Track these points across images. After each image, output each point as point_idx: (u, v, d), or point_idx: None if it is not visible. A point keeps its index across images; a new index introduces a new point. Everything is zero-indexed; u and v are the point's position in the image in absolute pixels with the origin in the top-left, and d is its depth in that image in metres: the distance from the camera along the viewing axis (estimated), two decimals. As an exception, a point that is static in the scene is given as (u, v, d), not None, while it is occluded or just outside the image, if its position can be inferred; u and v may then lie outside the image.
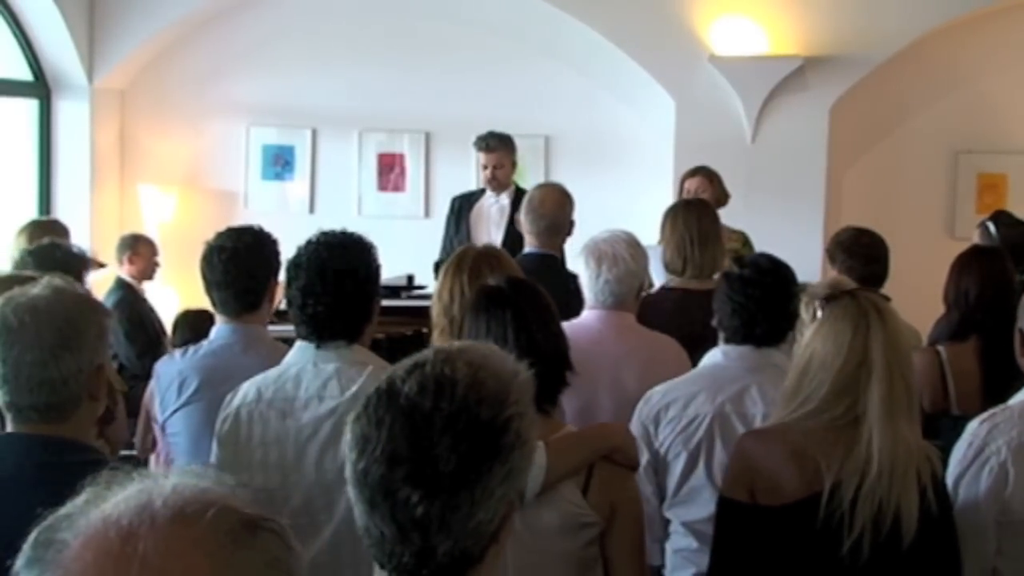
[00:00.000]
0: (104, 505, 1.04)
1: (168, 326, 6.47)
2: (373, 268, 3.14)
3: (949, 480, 2.99)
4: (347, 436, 1.59)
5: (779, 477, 2.73)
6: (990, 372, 4.06)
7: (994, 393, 3.89)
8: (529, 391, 1.64)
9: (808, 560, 2.71)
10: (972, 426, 3.04)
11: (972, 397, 4.10)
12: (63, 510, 1.06)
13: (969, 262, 4.39)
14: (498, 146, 6.79)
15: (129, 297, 7.01)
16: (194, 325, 5.05)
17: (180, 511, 1.02)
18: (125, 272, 7.21)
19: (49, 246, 4.61)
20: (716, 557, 2.87)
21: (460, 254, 3.64)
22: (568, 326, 3.86)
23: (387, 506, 1.52)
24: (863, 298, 2.88)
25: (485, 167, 6.83)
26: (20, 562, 1.04)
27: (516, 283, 2.93)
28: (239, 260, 3.62)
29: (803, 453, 2.71)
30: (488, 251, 3.71)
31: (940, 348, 4.22)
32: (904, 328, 4.66)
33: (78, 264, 4.27)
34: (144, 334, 6.91)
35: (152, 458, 4.73)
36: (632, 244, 4.02)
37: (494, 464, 1.54)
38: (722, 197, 6.31)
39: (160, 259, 7.45)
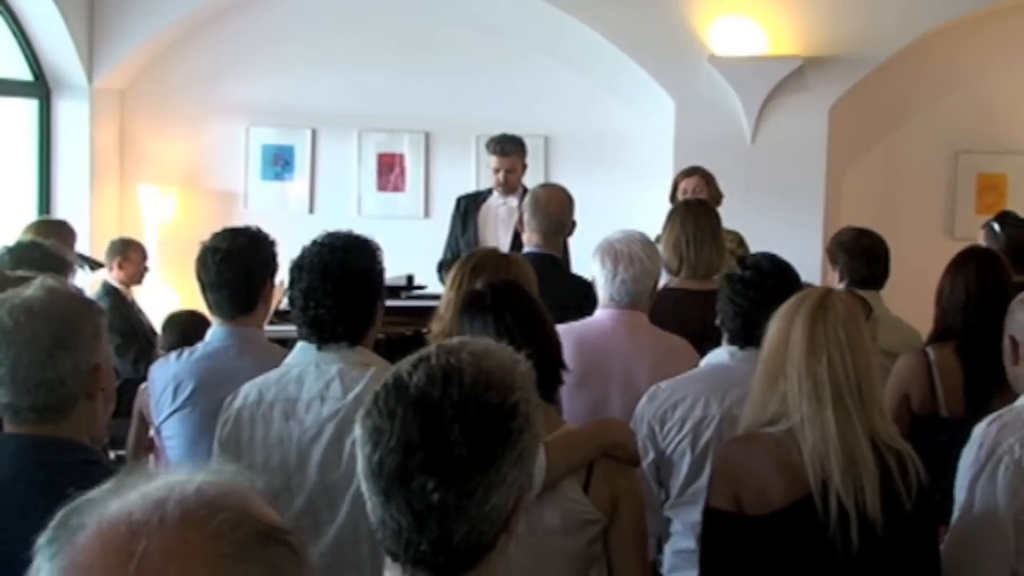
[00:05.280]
0: (129, 494, 1.03)
1: (159, 327, 6.39)
2: (376, 271, 3.11)
3: (963, 484, 2.97)
4: (357, 432, 1.62)
5: (765, 484, 2.73)
6: (971, 374, 4.05)
7: (976, 395, 3.89)
8: (531, 378, 1.68)
9: (797, 566, 2.71)
10: (980, 428, 3.01)
11: (956, 399, 4.10)
12: (91, 493, 1.06)
13: (956, 264, 4.38)
14: (513, 150, 6.71)
15: (118, 305, 6.80)
16: (184, 326, 5.03)
17: (190, 513, 1.01)
18: (114, 277, 7.05)
19: (28, 245, 4.61)
20: (704, 569, 2.87)
21: (478, 260, 3.63)
22: (580, 324, 3.93)
23: (403, 495, 1.55)
24: (807, 293, 2.87)
25: (497, 170, 6.71)
26: (42, 538, 1.04)
27: (500, 287, 2.95)
28: (233, 262, 3.56)
29: (786, 458, 2.71)
30: (504, 256, 3.71)
31: (928, 350, 4.21)
32: (903, 328, 4.69)
33: (56, 265, 4.24)
34: (136, 342, 6.82)
35: (151, 460, 4.71)
36: (647, 244, 4.05)
37: (505, 448, 1.59)
38: (718, 197, 6.31)
39: (151, 260, 7.40)
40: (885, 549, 2.67)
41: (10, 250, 4.42)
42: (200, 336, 4.89)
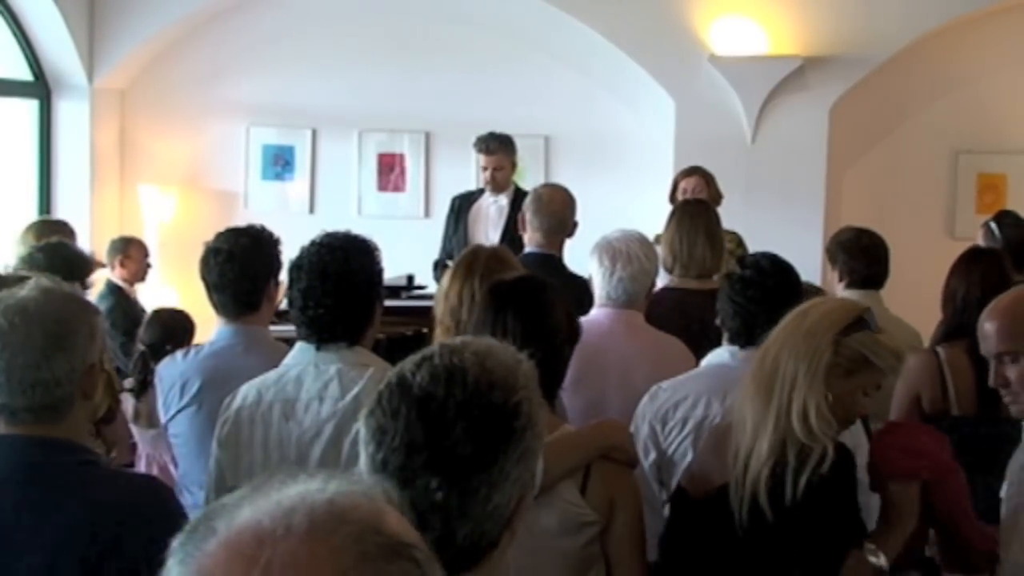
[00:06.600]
0: (262, 501, 1.03)
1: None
2: (375, 270, 3.12)
3: (1009, 490, 2.90)
4: (360, 431, 1.63)
5: (706, 467, 2.87)
6: (983, 372, 4.06)
7: (988, 393, 3.89)
8: (533, 377, 1.69)
9: (714, 546, 2.79)
10: None
11: (968, 398, 4.10)
12: (229, 497, 1.05)
13: (962, 263, 4.38)
14: (498, 148, 6.77)
15: (121, 303, 6.80)
16: (166, 324, 5.05)
17: (317, 525, 1.00)
18: (117, 276, 7.01)
19: (59, 244, 4.63)
20: (663, 536, 2.95)
21: (471, 256, 3.63)
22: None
23: (407, 494, 1.55)
24: (817, 299, 2.98)
25: (485, 168, 6.82)
26: (177, 539, 1.04)
27: (523, 281, 2.96)
28: (236, 262, 3.58)
29: (727, 445, 2.78)
30: (498, 253, 3.71)
31: (939, 349, 4.21)
32: (903, 328, 4.69)
33: (85, 265, 4.28)
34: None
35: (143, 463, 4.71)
36: (645, 243, 4.06)
37: (508, 447, 1.60)
38: (718, 197, 6.32)
39: (151, 260, 7.40)
40: (775, 538, 2.70)
41: (40, 249, 4.47)
42: (181, 335, 4.92)
